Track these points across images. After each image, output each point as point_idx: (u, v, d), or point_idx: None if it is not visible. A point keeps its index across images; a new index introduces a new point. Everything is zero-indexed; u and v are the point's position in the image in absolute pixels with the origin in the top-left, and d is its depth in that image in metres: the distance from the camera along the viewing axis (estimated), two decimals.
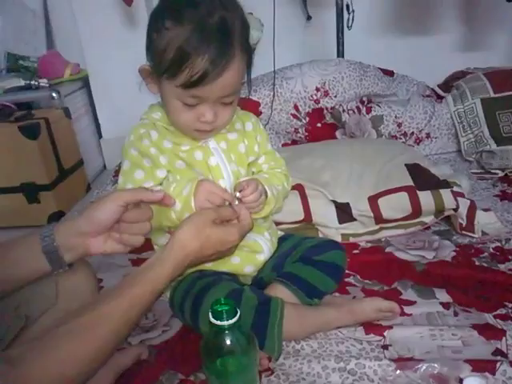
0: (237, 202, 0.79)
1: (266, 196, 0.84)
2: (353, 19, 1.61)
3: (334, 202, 1.21)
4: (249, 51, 0.77)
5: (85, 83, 2.01)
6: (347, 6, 1.62)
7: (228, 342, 0.62)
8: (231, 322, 0.59)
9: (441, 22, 1.90)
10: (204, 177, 0.83)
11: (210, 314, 0.60)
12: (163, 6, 0.76)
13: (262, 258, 0.90)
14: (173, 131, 0.83)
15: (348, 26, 1.62)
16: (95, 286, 0.79)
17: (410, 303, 0.95)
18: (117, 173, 1.70)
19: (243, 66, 0.76)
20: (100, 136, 2.13)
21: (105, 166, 2.13)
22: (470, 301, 0.93)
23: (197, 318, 0.80)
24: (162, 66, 0.73)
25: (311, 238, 1.00)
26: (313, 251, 0.94)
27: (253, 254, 0.89)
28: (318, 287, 0.90)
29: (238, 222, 0.77)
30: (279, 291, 0.88)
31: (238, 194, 0.80)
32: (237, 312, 0.60)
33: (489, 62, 1.82)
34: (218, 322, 0.60)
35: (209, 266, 0.85)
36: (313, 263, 0.92)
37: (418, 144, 1.69)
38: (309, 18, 1.82)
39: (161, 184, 0.83)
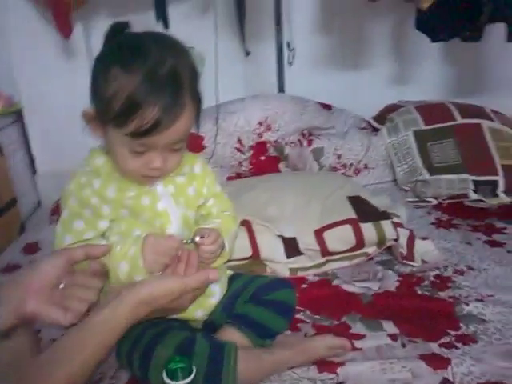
0: (185, 241, 0.78)
1: (222, 249, 0.83)
2: (293, 56, 1.66)
3: (281, 236, 1.23)
4: (199, 99, 0.77)
5: (18, 117, 1.92)
6: (287, 44, 1.67)
7: None
8: (187, 381, 0.57)
9: (373, 57, 2.01)
10: (150, 223, 0.81)
11: (164, 373, 0.58)
12: (110, 52, 0.73)
13: (214, 301, 0.89)
14: (117, 178, 0.80)
15: (289, 63, 1.67)
16: (34, 347, 0.73)
17: (360, 337, 0.96)
18: (54, 211, 1.62)
19: (194, 113, 0.75)
20: (34, 172, 2.03)
21: (39, 203, 2.03)
22: (415, 331, 0.96)
23: (147, 371, 0.77)
24: (110, 114, 0.71)
25: (261, 277, 0.99)
26: (263, 290, 0.93)
27: (204, 298, 0.87)
28: (270, 328, 0.90)
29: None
30: (231, 334, 0.86)
31: (197, 239, 0.78)
32: (192, 370, 0.58)
33: (417, 95, 1.94)
34: (173, 383, 0.57)
35: None
36: (264, 303, 0.91)
37: (357, 174, 1.76)
38: (247, 53, 1.86)
39: (103, 235, 0.80)
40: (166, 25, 1.77)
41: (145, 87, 0.68)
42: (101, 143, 0.83)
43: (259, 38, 1.88)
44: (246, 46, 1.83)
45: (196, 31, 1.78)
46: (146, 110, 0.68)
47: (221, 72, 1.69)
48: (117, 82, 0.70)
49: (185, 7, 1.89)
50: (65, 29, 1.62)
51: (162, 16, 1.77)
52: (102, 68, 0.72)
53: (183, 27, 1.76)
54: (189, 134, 0.77)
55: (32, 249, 1.46)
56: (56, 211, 1.56)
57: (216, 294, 0.89)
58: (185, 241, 0.79)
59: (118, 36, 0.74)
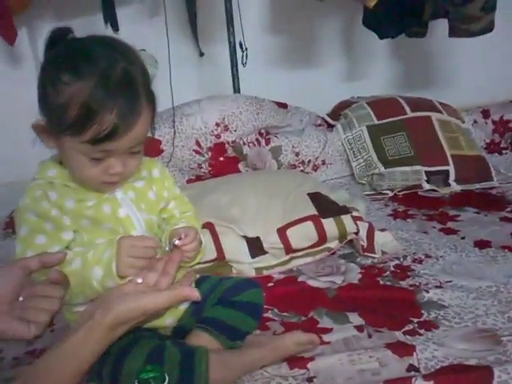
0: (167, 249, 0.79)
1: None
2: (246, 56, 1.67)
3: (245, 237, 1.23)
4: (153, 99, 0.76)
5: None
6: (240, 44, 1.68)
7: None
8: None
9: (325, 55, 2.05)
10: (113, 231, 0.79)
11: (136, 383, 0.57)
12: (57, 59, 0.71)
13: (183, 307, 0.88)
14: (74, 188, 0.78)
15: (243, 63, 1.68)
16: None
17: (327, 331, 0.98)
18: (7, 225, 1.56)
19: (150, 115, 0.75)
20: None
21: None
22: (380, 321, 0.99)
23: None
24: (64, 123, 0.69)
25: (228, 279, 0.99)
26: (230, 292, 0.93)
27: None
28: (240, 328, 0.90)
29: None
30: (201, 338, 0.86)
31: (177, 242, 0.78)
32: (164, 378, 0.58)
33: (369, 90, 1.99)
34: None
35: None
36: (232, 304, 0.91)
37: (316, 171, 1.79)
38: (201, 54, 1.84)
39: (67, 247, 0.77)
40: (115, 28, 1.73)
41: (99, 92, 0.67)
42: (51, 154, 0.81)
43: (212, 38, 1.87)
44: (199, 47, 1.82)
45: (147, 33, 1.77)
46: (104, 116, 0.67)
47: (175, 74, 1.67)
48: (68, 90, 0.68)
49: (134, 9, 1.86)
50: (9, 35, 1.55)
51: (111, 19, 1.73)
52: (50, 76, 0.70)
53: (133, 29, 1.73)
54: (146, 137, 0.76)
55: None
56: (10, 224, 1.50)
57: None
58: (167, 248, 0.80)
59: (61, 42, 0.72)
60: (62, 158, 0.76)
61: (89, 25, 1.73)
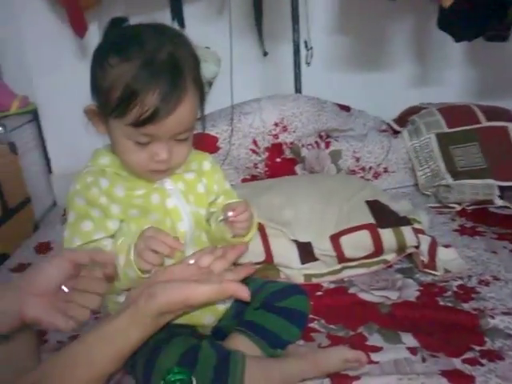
0: (220, 219, 0.78)
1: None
2: (311, 56, 1.62)
3: (296, 241, 1.18)
4: (201, 86, 0.74)
5: (34, 116, 1.92)
6: (305, 43, 1.63)
7: None
8: None
9: (394, 58, 1.95)
10: (161, 222, 0.77)
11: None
12: (107, 43, 0.72)
13: (224, 307, 0.85)
14: (125, 176, 0.78)
15: (307, 62, 1.63)
16: (34, 348, 0.70)
17: (377, 349, 0.91)
18: (65, 211, 1.60)
19: (196, 101, 0.73)
20: (50, 171, 2.02)
21: (55, 203, 2.02)
22: (437, 345, 0.90)
23: (149, 380, 0.73)
24: (109, 105, 0.69)
25: (273, 283, 0.95)
26: (275, 297, 0.88)
27: (213, 304, 0.83)
28: (282, 336, 0.85)
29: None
30: (240, 342, 0.82)
31: (229, 213, 0.76)
32: (191, 382, 0.54)
33: (440, 97, 1.87)
34: None
35: None
36: (275, 310, 0.86)
37: (377, 178, 1.70)
38: (265, 53, 1.82)
39: (112, 236, 0.77)
40: (181, 24, 1.74)
41: (142, 74, 0.67)
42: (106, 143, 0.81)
43: (275, 37, 1.84)
44: (263, 46, 1.79)
45: (212, 31, 1.77)
46: (145, 97, 0.66)
47: (236, 72, 1.66)
48: (114, 72, 0.68)
49: (201, 6, 1.87)
50: (80, 28, 1.60)
51: (178, 15, 1.74)
52: (99, 60, 0.71)
53: (199, 27, 1.74)
54: (193, 125, 0.75)
55: (44, 248, 1.46)
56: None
57: (226, 300, 0.85)
58: (220, 218, 0.78)
59: (116, 29, 0.74)
60: (112, 144, 0.77)
61: (156, 21, 1.76)
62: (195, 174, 0.84)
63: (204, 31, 1.74)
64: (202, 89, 0.74)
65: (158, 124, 0.68)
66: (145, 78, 0.67)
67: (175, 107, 0.68)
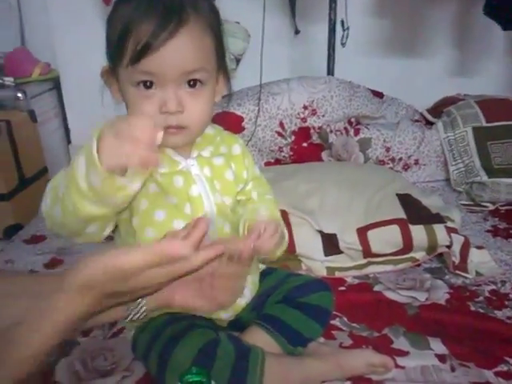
0: None
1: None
2: (347, 36, 1.53)
3: (320, 232, 1.12)
4: (220, 39, 0.69)
5: (55, 85, 1.87)
6: (342, 23, 1.54)
7: None
8: None
9: (432, 45, 1.85)
10: (178, 207, 0.71)
11: None
12: None
13: (243, 302, 0.80)
14: None
15: (342, 43, 1.54)
16: None
17: (403, 353, 0.85)
18: None
19: (206, 40, 0.66)
20: (69, 142, 1.98)
21: None
22: (467, 353, 0.85)
23: (163, 372, 0.69)
24: (112, 52, 0.65)
25: (296, 276, 0.89)
26: (298, 291, 0.83)
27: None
28: (303, 333, 0.81)
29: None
30: (259, 337, 0.78)
31: (253, 245, 0.64)
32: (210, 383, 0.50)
33: (478, 89, 1.77)
34: None
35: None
36: (297, 305, 0.82)
37: (406, 170, 1.62)
38: (297, 32, 1.73)
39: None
40: None
41: (139, 8, 0.63)
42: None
43: (308, 15, 1.74)
44: (295, 24, 1.70)
45: (244, 6, 1.68)
46: (139, 30, 0.62)
47: (266, 50, 1.58)
48: (116, 16, 0.65)
49: None
50: None
51: None
52: (110, 14, 0.67)
53: (231, 1, 1.66)
54: (208, 73, 0.67)
55: None
56: None
57: (246, 295, 0.80)
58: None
59: None
60: (125, 104, 0.70)
61: None
62: (224, 159, 0.77)
63: (235, 5, 1.66)
64: (217, 35, 0.68)
65: (153, 56, 0.62)
66: (140, 11, 0.62)
67: (171, 36, 0.61)
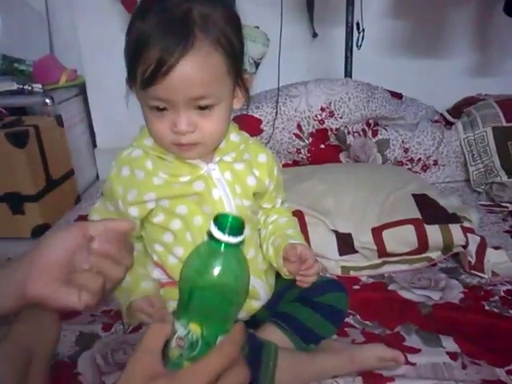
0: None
1: None
2: (363, 38, 1.54)
3: (335, 231, 1.14)
4: (233, 52, 0.67)
5: (81, 90, 1.94)
6: (357, 25, 1.55)
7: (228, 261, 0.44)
8: (240, 238, 0.44)
9: (451, 45, 1.84)
10: (199, 203, 0.75)
11: (211, 224, 0.44)
12: (138, 10, 0.68)
13: (258, 304, 0.82)
14: (171, 162, 0.74)
15: (357, 45, 1.55)
16: (56, 330, 0.63)
17: (415, 351, 0.86)
18: None
19: (219, 65, 0.66)
20: (95, 146, 2.05)
21: (98, 177, 2.05)
22: (479, 352, 0.85)
23: None
24: (128, 70, 0.67)
25: None
26: (313, 291, 0.83)
27: (248, 300, 0.80)
28: (316, 332, 0.82)
29: None
30: (273, 334, 0.79)
31: (298, 280, 0.77)
32: (244, 229, 0.44)
33: (499, 89, 1.75)
34: (221, 236, 0.43)
35: None
36: (312, 305, 0.83)
37: (425, 171, 1.62)
38: (315, 35, 1.75)
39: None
40: (232, 2, 1.70)
41: (151, 29, 0.63)
42: None
43: (325, 19, 1.76)
44: (313, 27, 1.73)
45: (262, 11, 1.71)
46: (148, 53, 0.63)
47: (284, 54, 1.60)
48: (130, 35, 0.66)
49: None
50: (129, 3, 1.59)
51: None
52: (127, 30, 0.68)
53: (250, 6, 1.69)
54: (221, 96, 0.68)
55: (84, 221, 1.47)
56: None
57: (261, 297, 0.82)
58: (286, 273, 0.78)
59: None
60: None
61: None
62: (245, 165, 0.78)
63: (254, 10, 1.69)
64: (233, 55, 0.67)
65: (162, 83, 0.63)
66: (151, 33, 0.63)
67: (178, 61, 0.62)
